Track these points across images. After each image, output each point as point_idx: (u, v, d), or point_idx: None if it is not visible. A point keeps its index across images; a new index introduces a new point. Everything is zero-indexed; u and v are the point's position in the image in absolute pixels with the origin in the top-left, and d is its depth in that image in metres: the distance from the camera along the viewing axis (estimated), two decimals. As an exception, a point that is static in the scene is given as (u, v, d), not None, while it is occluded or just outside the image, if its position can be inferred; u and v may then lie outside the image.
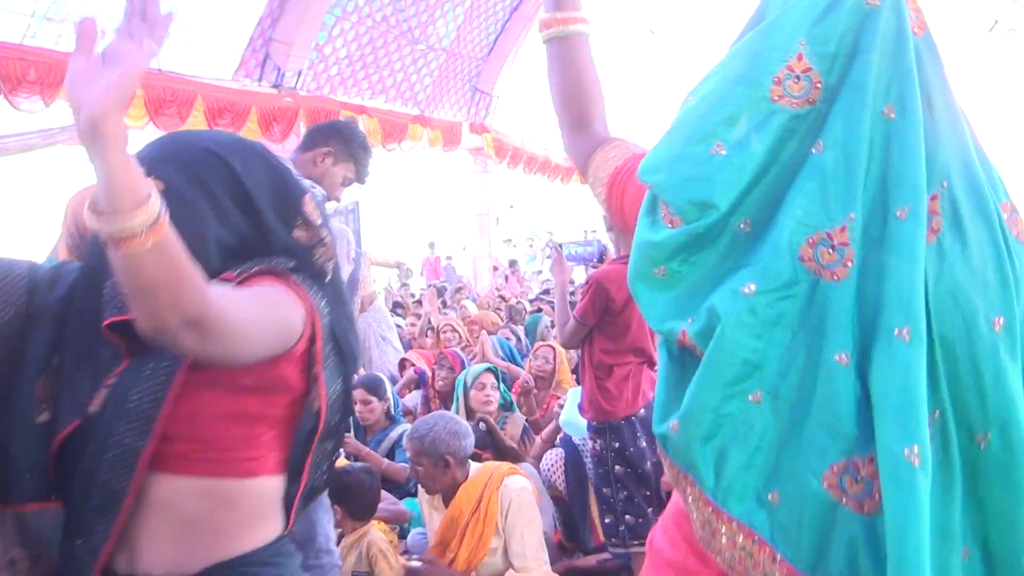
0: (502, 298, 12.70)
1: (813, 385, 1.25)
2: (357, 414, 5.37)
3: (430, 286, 13.37)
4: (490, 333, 7.92)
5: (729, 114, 1.34)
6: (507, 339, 7.87)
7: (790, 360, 1.27)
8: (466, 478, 3.90)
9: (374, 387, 5.39)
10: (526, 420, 5.72)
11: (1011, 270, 1.26)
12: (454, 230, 18.29)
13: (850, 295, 1.24)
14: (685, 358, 1.37)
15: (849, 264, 1.25)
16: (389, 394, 5.45)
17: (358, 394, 5.34)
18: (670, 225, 1.36)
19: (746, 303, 1.27)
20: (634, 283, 1.42)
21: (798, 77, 1.31)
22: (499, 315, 10.38)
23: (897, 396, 1.18)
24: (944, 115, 1.31)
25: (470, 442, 3.96)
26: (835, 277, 1.25)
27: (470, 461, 3.98)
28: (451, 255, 21.00)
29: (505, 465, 4.09)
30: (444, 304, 11.46)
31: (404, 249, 19.19)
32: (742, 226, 1.33)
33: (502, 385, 5.61)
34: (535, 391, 6.38)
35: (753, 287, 1.27)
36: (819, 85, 1.31)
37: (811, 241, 1.26)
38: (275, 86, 12.29)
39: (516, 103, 17.56)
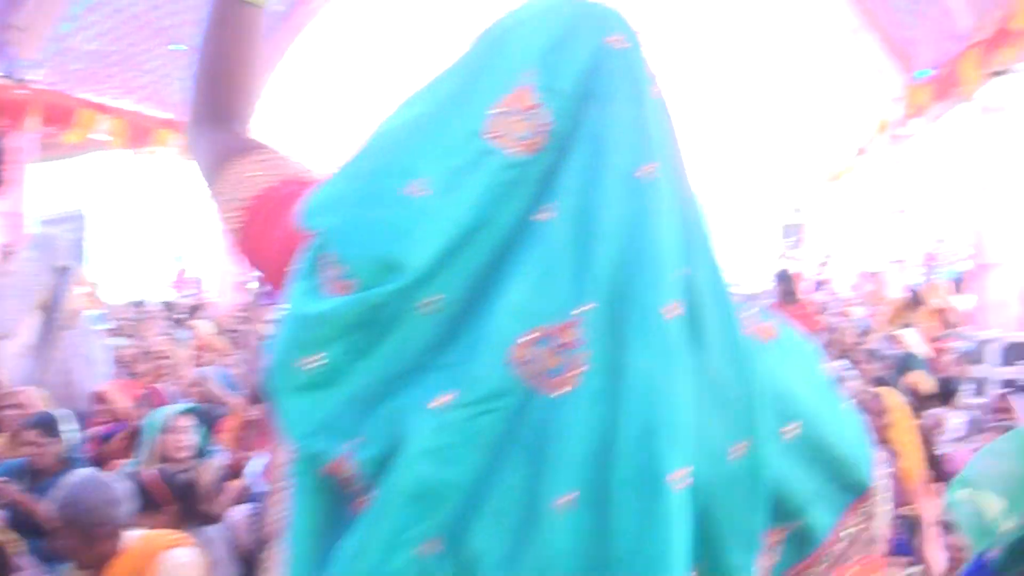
0: (244, 320, 12.03)
1: (523, 536, 0.89)
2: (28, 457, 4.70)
3: (161, 303, 12.57)
4: (210, 362, 7.41)
5: (432, 147, 0.98)
6: (230, 368, 7.36)
7: (483, 496, 0.90)
8: (119, 551, 3.37)
9: (46, 426, 4.73)
10: (240, 456, 5.27)
11: (755, 382, 0.97)
12: (203, 243, 17.36)
13: (581, 414, 0.90)
14: (333, 495, 0.96)
15: (578, 372, 0.91)
16: (67, 433, 4.83)
17: (29, 435, 4.69)
18: (338, 292, 0.96)
19: (435, 421, 0.90)
20: (274, 376, 0.98)
21: (521, 113, 0.97)
22: (234, 339, 9.76)
23: (658, 564, 0.88)
24: (683, 189, 1.01)
25: (125, 510, 3.43)
26: (558, 389, 0.91)
27: (124, 532, 3.45)
28: (199, 269, 19.96)
29: (167, 536, 3.56)
30: (178, 322, 10.74)
31: (148, 260, 18.25)
32: (433, 305, 0.96)
33: (203, 428, 5.11)
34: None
35: (447, 398, 0.91)
36: (545, 128, 0.97)
37: (528, 339, 0.92)
38: (7, 75, 11.37)
39: (281, 112, 16.89)
